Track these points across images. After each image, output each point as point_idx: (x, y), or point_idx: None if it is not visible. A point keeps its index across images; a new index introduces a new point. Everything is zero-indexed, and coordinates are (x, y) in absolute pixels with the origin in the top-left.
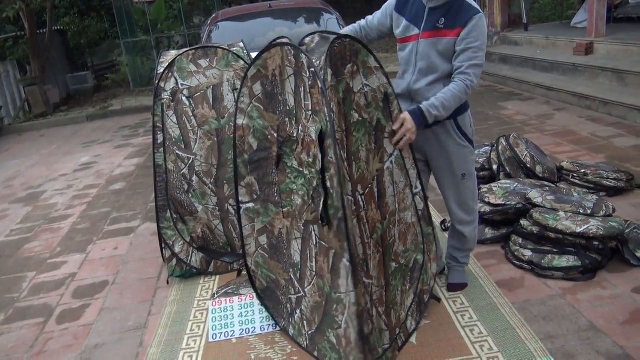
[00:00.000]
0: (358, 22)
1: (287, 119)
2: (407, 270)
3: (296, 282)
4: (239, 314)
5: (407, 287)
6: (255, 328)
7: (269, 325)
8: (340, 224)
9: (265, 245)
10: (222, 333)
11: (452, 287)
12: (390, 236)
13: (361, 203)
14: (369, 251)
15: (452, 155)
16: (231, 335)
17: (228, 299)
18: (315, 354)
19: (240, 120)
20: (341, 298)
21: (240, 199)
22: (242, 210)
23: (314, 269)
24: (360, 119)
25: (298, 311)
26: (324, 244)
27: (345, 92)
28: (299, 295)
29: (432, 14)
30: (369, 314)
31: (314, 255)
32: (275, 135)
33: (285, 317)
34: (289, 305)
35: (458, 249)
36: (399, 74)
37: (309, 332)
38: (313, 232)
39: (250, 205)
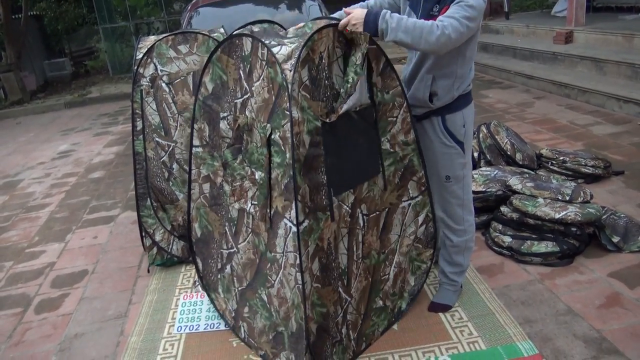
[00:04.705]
0: None
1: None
2: (392, 315)
3: (230, 238)
4: (207, 309)
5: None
6: (220, 324)
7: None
8: (289, 184)
9: (207, 194)
10: (187, 326)
11: (433, 307)
12: (384, 273)
13: (361, 222)
14: (355, 269)
15: (437, 155)
16: (195, 329)
17: (200, 293)
18: (246, 310)
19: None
20: (276, 258)
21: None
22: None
23: (250, 226)
24: (392, 151)
25: (228, 267)
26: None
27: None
28: (232, 250)
29: (428, 1)
30: (337, 327)
31: (250, 212)
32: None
33: (214, 272)
34: (219, 260)
35: (447, 262)
36: (407, 60)
37: (239, 288)
38: (250, 201)
39: (200, 149)
